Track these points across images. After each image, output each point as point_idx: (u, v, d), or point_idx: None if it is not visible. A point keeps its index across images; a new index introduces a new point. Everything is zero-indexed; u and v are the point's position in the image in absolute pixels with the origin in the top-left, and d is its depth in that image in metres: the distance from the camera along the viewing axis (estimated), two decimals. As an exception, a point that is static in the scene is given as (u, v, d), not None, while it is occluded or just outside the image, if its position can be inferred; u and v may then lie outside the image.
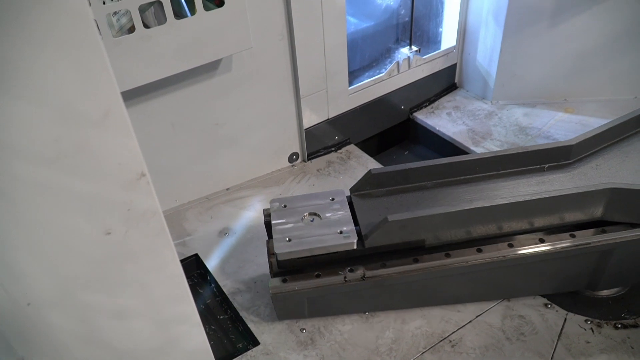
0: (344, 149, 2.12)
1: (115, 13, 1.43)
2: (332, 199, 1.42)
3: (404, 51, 2.21)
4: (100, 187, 0.60)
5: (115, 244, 0.64)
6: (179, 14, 1.57)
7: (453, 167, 1.47)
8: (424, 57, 2.22)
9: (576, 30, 2.07)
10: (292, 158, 2.04)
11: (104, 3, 1.32)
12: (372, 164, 2.03)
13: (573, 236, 1.35)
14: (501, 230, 1.35)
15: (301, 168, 2.03)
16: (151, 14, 1.59)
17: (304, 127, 1.97)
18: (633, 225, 1.35)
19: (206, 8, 1.44)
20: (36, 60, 0.50)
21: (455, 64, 2.37)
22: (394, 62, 2.15)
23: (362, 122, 2.14)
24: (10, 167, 0.54)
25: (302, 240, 1.31)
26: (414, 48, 2.20)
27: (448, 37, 2.32)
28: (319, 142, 2.06)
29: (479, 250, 1.34)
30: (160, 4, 1.37)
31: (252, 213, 1.82)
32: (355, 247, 1.31)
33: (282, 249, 1.30)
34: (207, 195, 1.90)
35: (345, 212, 1.38)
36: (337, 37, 1.86)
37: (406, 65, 2.17)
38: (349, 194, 1.48)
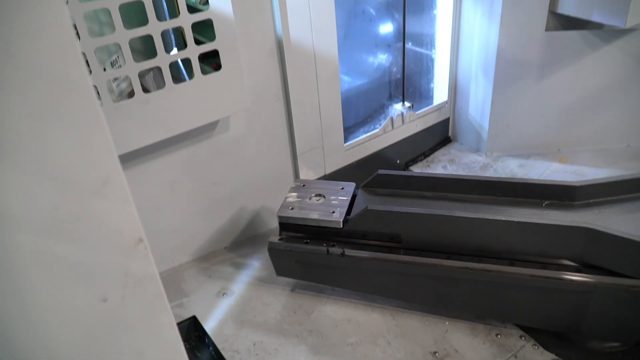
0: (341, 205, 2.12)
1: (115, 79, 1.47)
2: (342, 188, 1.64)
3: (398, 107, 2.26)
4: (98, 254, 0.60)
5: (111, 311, 0.64)
6: (177, 78, 1.62)
7: (453, 184, 1.55)
8: (417, 112, 2.27)
9: (564, 83, 2.13)
10: (290, 215, 2.04)
11: (104, 70, 1.36)
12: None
13: (544, 267, 1.35)
14: (475, 245, 1.41)
15: (299, 224, 2.03)
16: (150, 79, 1.63)
17: (302, 184, 1.99)
18: (613, 273, 1.31)
19: (204, 72, 1.49)
20: (35, 129, 0.51)
21: (448, 118, 2.42)
22: (388, 118, 2.19)
23: (358, 177, 2.16)
24: (6, 235, 0.54)
25: (301, 211, 1.56)
26: (407, 104, 2.26)
27: (440, 93, 2.38)
28: (317, 198, 2.07)
29: (448, 257, 1.42)
30: (159, 69, 1.42)
31: (250, 272, 1.80)
32: (340, 226, 1.51)
33: (283, 212, 1.57)
34: (205, 255, 1.88)
35: (346, 199, 1.58)
36: (332, 96, 1.90)
37: (400, 121, 2.22)
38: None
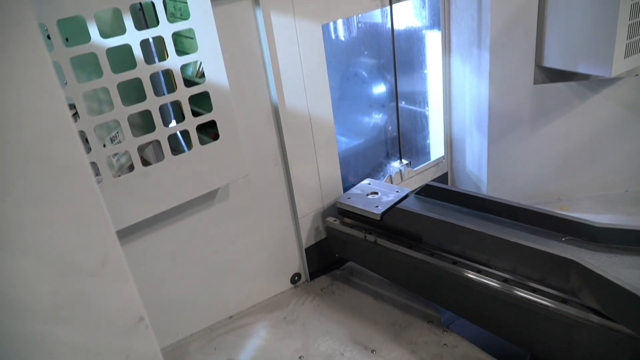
0: (346, 265, 2.10)
1: (115, 154, 1.49)
2: (397, 192, 1.88)
3: (395, 165, 2.28)
4: (98, 337, 0.59)
5: (113, 396, 0.62)
6: (176, 149, 1.64)
7: (486, 203, 1.69)
8: (415, 169, 2.29)
9: (557, 133, 2.16)
10: (295, 279, 2.02)
11: (104, 146, 1.38)
12: (375, 279, 2.00)
13: (534, 291, 1.40)
14: (478, 256, 1.54)
15: (304, 289, 2.00)
16: (150, 151, 1.66)
17: (304, 247, 1.97)
18: (597, 313, 1.29)
19: (202, 142, 1.51)
20: (33, 215, 0.52)
21: (447, 173, 2.44)
22: (387, 175, 2.21)
23: (361, 236, 2.15)
24: (5, 322, 0.53)
25: (354, 201, 1.87)
26: (405, 161, 2.28)
27: (436, 148, 2.41)
28: (321, 261, 2.05)
29: (454, 263, 1.57)
30: (158, 141, 1.44)
31: (257, 341, 1.75)
32: (378, 218, 1.76)
33: (341, 200, 1.91)
34: (209, 326, 1.84)
35: (392, 200, 1.82)
36: (330, 157, 1.93)
37: (399, 178, 2.23)
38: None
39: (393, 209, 1.75)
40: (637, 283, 1.23)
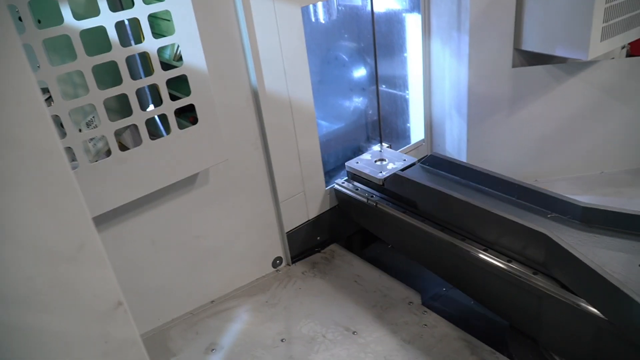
0: (327, 249, 2.11)
1: (91, 139, 1.47)
2: (404, 160, 1.98)
3: (376, 148, 2.28)
4: (76, 323, 0.59)
5: (92, 381, 0.61)
6: (155, 133, 1.62)
7: (479, 175, 1.75)
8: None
9: (535, 116, 2.19)
10: (276, 263, 2.02)
11: (80, 131, 1.36)
12: (357, 261, 2.02)
13: (510, 261, 1.48)
14: (462, 225, 1.62)
15: (286, 272, 2.01)
16: (128, 135, 1.64)
17: (285, 231, 1.98)
18: (566, 288, 1.33)
19: (181, 126, 1.49)
20: (6, 201, 0.51)
21: (426, 156, 2.45)
22: (367, 159, 2.21)
23: (342, 220, 2.16)
24: (-19, 310, 0.53)
25: (362, 166, 2.00)
26: (385, 144, 2.28)
27: (416, 132, 2.42)
28: (302, 244, 2.06)
29: (442, 230, 1.67)
30: (136, 126, 1.42)
31: (239, 325, 1.76)
32: (381, 183, 1.89)
33: (350, 164, 2.04)
34: (191, 310, 1.84)
35: (398, 166, 1.93)
36: (310, 141, 1.92)
37: (379, 162, 2.23)
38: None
39: (393, 175, 1.85)
40: (604, 263, 1.26)
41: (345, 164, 2.04)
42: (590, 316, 1.28)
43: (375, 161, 2.01)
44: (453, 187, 1.74)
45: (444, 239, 1.64)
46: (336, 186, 2.05)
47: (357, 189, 2.00)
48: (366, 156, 2.06)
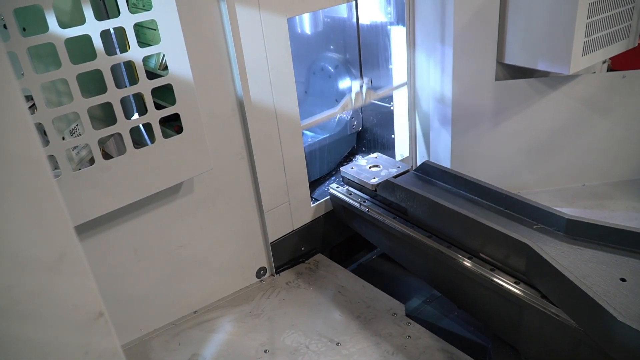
0: (311, 259, 2.11)
1: (75, 147, 1.45)
2: (398, 167, 2.01)
3: (372, 155, 2.29)
4: (56, 332, 0.58)
5: (71, 393, 0.60)
6: (139, 142, 1.62)
7: (470, 185, 1.76)
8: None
9: (517, 129, 2.22)
10: (260, 273, 2.01)
11: (63, 139, 1.35)
12: (341, 272, 2.02)
13: (493, 270, 1.49)
14: (449, 233, 1.63)
15: (270, 283, 2.00)
16: (112, 144, 1.63)
17: (270, 241, 1.97)
18: (545, 298, 1.35)
19: (165, 135, 1.49)
20: (-12, 209, 0.50)
21: (411, 167, 2.47)
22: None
23: (327, 230, 2.16)
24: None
25: (356, 172, 2.03)
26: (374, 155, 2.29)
27: (401, 143, 2.44)
28: (286, 255, 2.05)
29: (429, 237, 1.68)
30: (120, 134, 1.41)
31: (222, 335, 1.75)
32: (373, 189, 1.93)
33: (345, 169, 2.07)
34: (173, 321, 1.82)
35: (391, 173, 1.96)
36: (295, 151, 1.93)
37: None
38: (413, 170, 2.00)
39: (385, 181, 1.88)
40: (585, 275, 1.27)
41: (340, 169, 2.08)
42: (568, 327, 1.29)
43: (370, 167, 2.04)
44: (443, 195, 1.75)
45: (430, 246, 1.66)
46: (331, 190, 2.09)
47: (350, 194, 2.02)
48: (361, 162, 2.09)
